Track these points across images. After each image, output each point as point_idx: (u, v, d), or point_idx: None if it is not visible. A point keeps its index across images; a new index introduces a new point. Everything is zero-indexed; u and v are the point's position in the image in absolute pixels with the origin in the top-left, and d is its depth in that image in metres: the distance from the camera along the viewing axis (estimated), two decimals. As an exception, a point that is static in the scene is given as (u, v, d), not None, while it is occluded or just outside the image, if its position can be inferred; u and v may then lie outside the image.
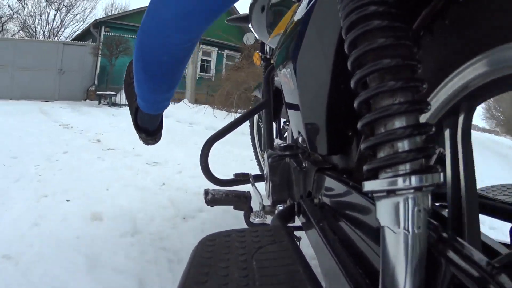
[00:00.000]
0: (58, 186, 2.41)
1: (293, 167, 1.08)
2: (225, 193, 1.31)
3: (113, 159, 3.52)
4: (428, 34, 0.50)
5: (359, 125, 0.40)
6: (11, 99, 12.67)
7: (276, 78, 1.65)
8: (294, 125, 1.07)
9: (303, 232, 0.87)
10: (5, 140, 4.14)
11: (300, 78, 0.88)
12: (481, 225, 0.40)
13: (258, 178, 1.51)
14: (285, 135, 1.94)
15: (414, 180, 0.34)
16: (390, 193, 0.36)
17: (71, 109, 9.82)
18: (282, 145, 1.19)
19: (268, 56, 1.87)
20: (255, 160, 2.58)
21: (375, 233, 0.44)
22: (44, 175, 2.72)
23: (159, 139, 1.78)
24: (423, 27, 0.51)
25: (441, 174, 0.35)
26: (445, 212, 0.46)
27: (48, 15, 23.65)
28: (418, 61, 0.39)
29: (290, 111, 1.07)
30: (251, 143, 2.60)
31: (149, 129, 1.65)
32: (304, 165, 0.99)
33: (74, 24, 24.16)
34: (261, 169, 2.41)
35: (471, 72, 0.41)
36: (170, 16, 1.02)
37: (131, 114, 1.64)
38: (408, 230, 0.35)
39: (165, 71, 1.23)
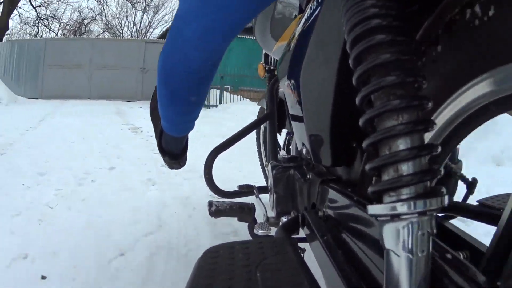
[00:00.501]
0: (55, 235, 1.68)
1: (297, 178, 1.08)
2: (229, 205, 1.31)
3: (168, 184, 2.61)
4: (433, 48, 0.50)
5: (364, 144, 0.40)
6: (89, 98, 12.61)
7: (280, 90, 1.66)
8: (298, 136, 1.07)
9: (307, 243, 0.86)
10: (49, 148, 3.71)
11: (304, 90, 0.88)
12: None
13: (262, 189, 1.51)
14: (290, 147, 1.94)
15: (418, 205, 0.34)
16: (394, 217, 0.36)
17: (151, 110, 9.24)
18: (286, 156, 1.19)
19: (272, 67, 1.88)
20: (262, 172, 2.57)
21: (379, 248, 0.44)
22: (56, 209, 2.07)
23: (184, 163, 1.73)
24: (429, 40, 0.51)
25: (446, 197, 0.35)
26: (448, 224, 0.46)
27: (134, 17, 24.17)
28: (424, 77, 0.39)
29: (294, 123, 1.07)
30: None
31: (173, 152, 1.63)
32: (308, 176, 0.99)
33: (162, 24, 24.37)
34: (267, 180, 2.40)
35: (474, 92, 0.41)
36: (190, 36, 1.04)
37: (156, 138, 1.61)
38: (412, 254, 0.35)
39: (188, 93, 1.23)
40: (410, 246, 0.35)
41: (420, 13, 0.52)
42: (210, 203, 1.31)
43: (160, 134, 1.56)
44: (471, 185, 0.90)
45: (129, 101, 12.37)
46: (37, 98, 12.11)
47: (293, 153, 1.51)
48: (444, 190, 0.36)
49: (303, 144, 1.00)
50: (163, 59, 1.16)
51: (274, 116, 1.59)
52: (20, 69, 13.04)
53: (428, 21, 0.51)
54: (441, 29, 0.48)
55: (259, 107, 2.32)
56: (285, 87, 1.09)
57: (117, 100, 12.32)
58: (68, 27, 21.77)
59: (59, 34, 21.04)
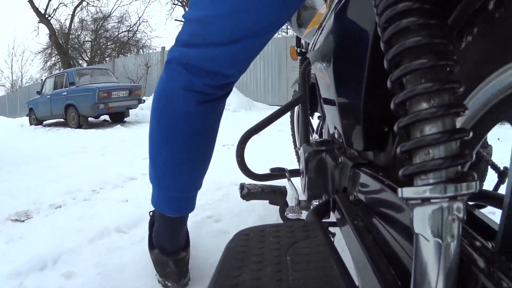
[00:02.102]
0: None
1: (329, 162, 1.07)
2: (261, 188, 1.32)
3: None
4: (466, 31, 0.48)
5: (395, 127, 0.40)
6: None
7: (312, 73, 1.64)
8: (330, 120, 1.06)
9: (338, 228, 0.86)
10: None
11: (336, 74, 0.87)
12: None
13: (294, 173, 1.51)
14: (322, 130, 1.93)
15: (449, 189, 0.34)
16: (425, 201, 0.35)
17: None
18: (318, 140, 1.18)
19: (303, 50, 1.86)
20: (295, 154, 2.56)
21: (408, 234, 0.44)
22: None
23: (185, 277, 1.17)
24: (465, 21, 0.49)
25: (477, 183, 0.35)
26: (477, 213, 0.45)
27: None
28: (456, 61, 0.38)
29: (326, 106, 1.06)
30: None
31: (165, 245, 1.17)
32: (340, 160, 0.98)
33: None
34: (300, 163, 2.39)
35: None
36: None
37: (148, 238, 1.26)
38: (441, 239, 0.35)
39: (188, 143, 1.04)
40: (439, 231, 0.34)
41: None
42: (242, 186, 1.33)
43: (151, 223, 1.25)
44: (503, 174, 0.87)
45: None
46: (280, 105, 11.01)
47: (325, 136, 1.50)
48: (475, 175, 0.35)
49: (335, 128, 0.99)
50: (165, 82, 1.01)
51: (306, 99, 1.58)
52: (256, 72, 11.31)
53: (461, 4, 0.49)
54: (474, 12, 0.46)
55: (293, 89, 2.31)
56: (317, 71, 1.08)
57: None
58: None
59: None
